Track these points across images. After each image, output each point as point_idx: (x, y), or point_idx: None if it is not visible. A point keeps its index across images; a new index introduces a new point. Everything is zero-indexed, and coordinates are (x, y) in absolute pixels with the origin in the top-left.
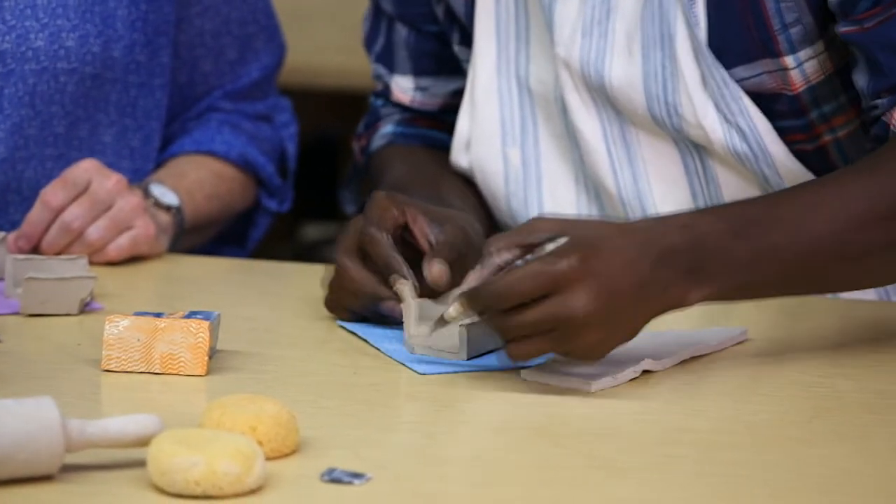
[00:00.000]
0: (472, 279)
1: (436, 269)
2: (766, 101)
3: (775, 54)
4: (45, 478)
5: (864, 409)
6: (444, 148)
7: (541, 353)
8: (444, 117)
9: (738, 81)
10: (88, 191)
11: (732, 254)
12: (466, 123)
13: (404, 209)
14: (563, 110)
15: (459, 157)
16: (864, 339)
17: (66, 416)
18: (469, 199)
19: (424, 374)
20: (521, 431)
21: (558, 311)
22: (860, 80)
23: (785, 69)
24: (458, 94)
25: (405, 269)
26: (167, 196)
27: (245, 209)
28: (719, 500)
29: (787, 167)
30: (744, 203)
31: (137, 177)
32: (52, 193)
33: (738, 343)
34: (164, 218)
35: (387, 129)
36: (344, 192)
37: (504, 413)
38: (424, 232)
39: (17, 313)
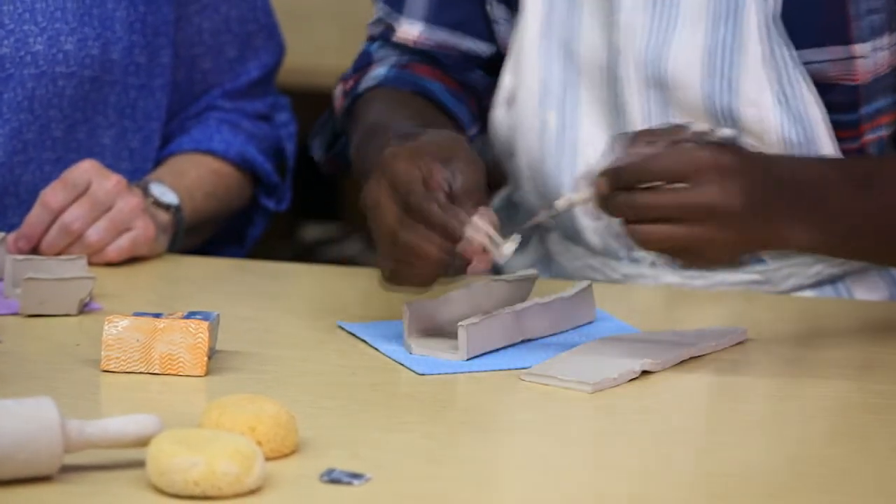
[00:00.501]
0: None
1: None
2: (824, 91)
3: (847, 41)
4: (44, 478)
5: (863, 409)
6: (436, 100)
7: (665, 241)
8: (445, 64)
9: (805, 64)
10: (88, 192)
11: (854, 208)
12: (511, 80)
13: (423, 167)
14: (612, 80)
15: (501, 111)
16: (863, 339)
17: (66, 417)
18: None
19: (423, 375)
20: (521, 432)
21: (698, 198)
22: None
23: (852, 58)
24: (468, 57)
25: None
26: (167, 195)
27: (243, 208)
28: (719, 500)
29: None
30: (876, 161)
31: (137, 177)
32: (52, 194)
33: (737, 343)
34: (164, 217)
35: (379, 71)
36: (314, 140)
37: (503, 413)
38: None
39: (16, 314)
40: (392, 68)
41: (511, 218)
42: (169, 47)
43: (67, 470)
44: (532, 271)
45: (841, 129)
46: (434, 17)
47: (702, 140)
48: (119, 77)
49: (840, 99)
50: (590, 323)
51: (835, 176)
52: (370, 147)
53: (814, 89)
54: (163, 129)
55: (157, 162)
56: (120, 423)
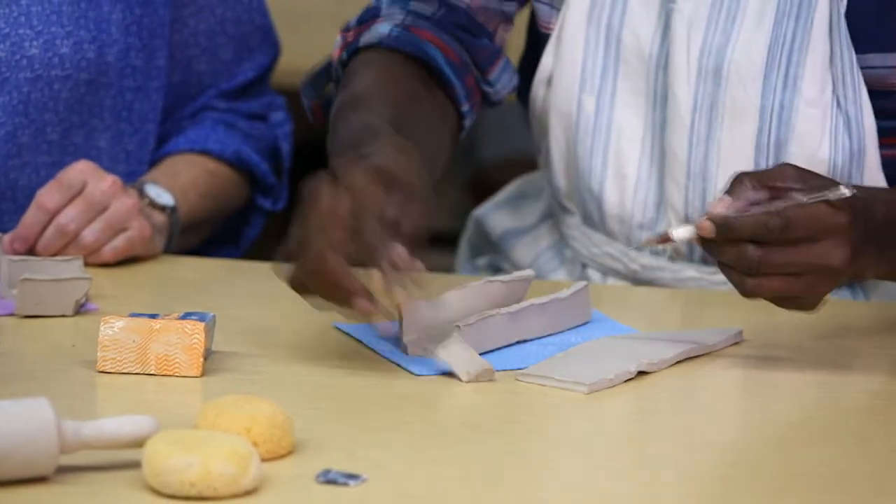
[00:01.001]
0: (720, 207)
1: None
2: (879, 98)
3: None
4: (40, 479)
5: (860, 409)
6: (434, 68)
7: (780, 294)
8: (459, 22)
9: (864, 69)
10: (83, 193)
11: None
12: (551, 60)
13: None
14: (659, 69)
15: (540, 89)
16: (860, 340)
17: (62, 417)
18: (430, 126)
19: (420, 375)
20: (517, 432)
21: (813, 258)
22: None
23: None
24: (487, 13)
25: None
26: (162, 196)
27: (239, 208)
28: (716, 500)
29: (871, 170)
30: None
31: (133, 180)
32: (48, 195)
33: (733, 343)
34: (160, 218)
35: (382, 28)
36: (306, 85)
37: (500, 413)
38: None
39: (12, 314)
40: (396, 27)
41: (519, 207)
42: (165, 49)
43: (63, 471)
44: (529, 272)
45: (889, 136)
46: None
47: (812, 197)
48: (115, 80)
49: (892, 106)
50: (586, 323)
51: None
52: (343, 122)
53: (867, 95)
54: (158, 131)
55: (153, 163)
56: (116, 424)
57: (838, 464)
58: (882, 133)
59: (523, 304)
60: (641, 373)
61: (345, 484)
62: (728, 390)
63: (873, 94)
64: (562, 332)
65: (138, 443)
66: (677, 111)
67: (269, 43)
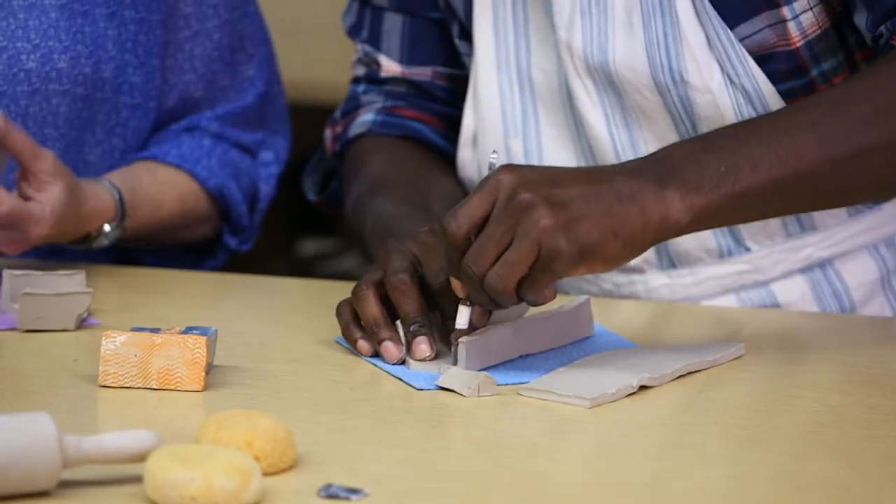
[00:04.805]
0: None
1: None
2: (767, 63)
3: (774, 4)
4: (41, 494)
5: (858, 424)
6: (425, 141)
7: (516, 270)
8: (433, 95)
9: (741, 41)
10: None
11: (705, 164)
12: (471, 118)
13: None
14: (567, 98)
15: (466, 152)
16: (858, 355)
17: (63, 432)
18: (447, 199)
19: (421, 390)
20: (519, 446)
21: (507, 211)
22: (860, 20)
23: (784, 21)
24: (449, 78)
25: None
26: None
27: (201, 239)
28: None
29: None
30: (718, 129)
31: None
32: None
33: (734, 358)
34: (106, 198)
35: (367, 117)
36: (307, 180)
37: (501, 428)
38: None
39: (13, 329)
40: (378, 114)
41: None
42: (160, 70)
43: (65, 485)
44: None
45: (797, 96)
46: (409, 58)
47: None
48: (111, 95)
49: (784, 66)
50: (588, 338)
51: (672, 148)
52: (372, 211)
53: (755, 65)
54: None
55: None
56: (117, 439)
57: (832, 478)
58: (785, 95)
59: (526, 318)
60: (643, 387)
61: (346, 498)
62: (727, 405)
63: (759, 60)
64: (564, 346)
65: (140, 457)
66: (594, 131)
67: (268, 70)
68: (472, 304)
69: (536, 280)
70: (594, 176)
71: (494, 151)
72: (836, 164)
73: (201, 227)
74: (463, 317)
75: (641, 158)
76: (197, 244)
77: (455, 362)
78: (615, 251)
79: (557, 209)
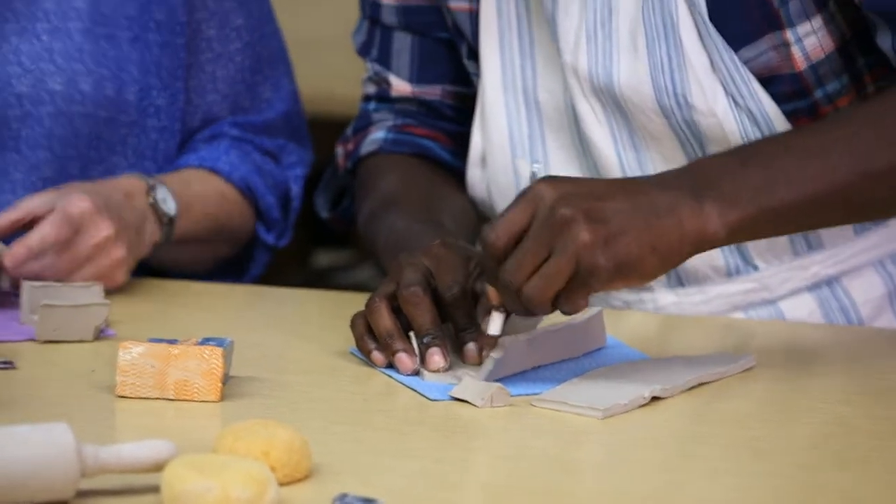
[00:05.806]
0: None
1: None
2: (771, 85)
3: (778, 27)
4: (60, 503)
5: (868, 435)
6: (435, 158)
7: (554, 284)
8: (442, 113)
9: (745, 63)
10: (73, 246)
11: (742, 178)
12: (479, 138)
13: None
14: (574, 119)
15: (475, 171)
16: (867, 367)
17: (81, 442)
18: (457, 216)
19: (436, 400)
20: (532, 458)
21: (546, 224)
22: (883, 42)
23: (787, 44)
24: (459, 96)
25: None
26: (168, 203)
27: (243, 239)
28: None
29: None
30: (752, 142)
31: None
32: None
33: (745, 370)
34: (153, 228)
35: (378, 134)
36: (319, 198)
37: (515, 439)
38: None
39: (32, 339)
40: (389, 131)
41: None
42: (184, 92)
43: (83, 495)
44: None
45: (801, 117)
46: (418, 77)
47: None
48: (137, 118)
49: (788, 89)
50: (600, 349)
51: (708, 161)
52: (385, 227)
53: (759, 87)
54: None
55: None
56: (135, 449)
57: (843, 490)
58: (789, 116)
59: (539, 330)
60: (655, 398)
61: None
62: (739, 416)
63: (763, 82)
64: (577, 357)
65: (157, 467)
66: (600, 151)
67: (287, 90)
68: (505, 312)
69: (573, 293)
70: (632, 189)
71: (537, 161)
72: (871, 178)
73: (236, 224)
74: (496, 323)
75: (676, 170)
76: (236, 256)
77: (483, 374)
78: (652, 266)
79: (596, 225)
